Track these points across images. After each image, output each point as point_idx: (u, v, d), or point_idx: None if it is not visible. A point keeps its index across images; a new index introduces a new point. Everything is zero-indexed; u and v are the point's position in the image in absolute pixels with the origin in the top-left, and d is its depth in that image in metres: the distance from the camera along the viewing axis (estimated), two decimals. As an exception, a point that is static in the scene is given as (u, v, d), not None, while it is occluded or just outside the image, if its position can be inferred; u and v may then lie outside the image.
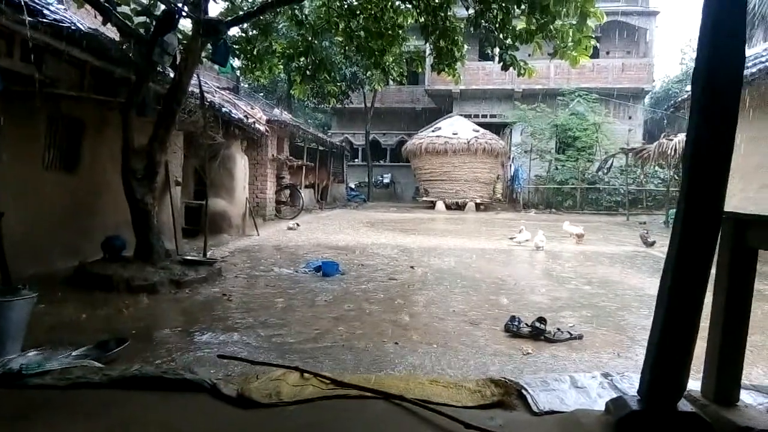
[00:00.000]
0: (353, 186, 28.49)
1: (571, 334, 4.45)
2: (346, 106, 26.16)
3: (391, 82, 14.24)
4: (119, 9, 6.34)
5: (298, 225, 13.52)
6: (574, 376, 2.90)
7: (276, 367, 2.99)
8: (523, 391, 2.68)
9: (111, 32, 6.92)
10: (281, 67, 10.58)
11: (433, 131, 22.40)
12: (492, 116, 25.65)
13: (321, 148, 21.87)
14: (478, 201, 21.52)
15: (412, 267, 7.87)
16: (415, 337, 4.41)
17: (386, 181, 29.83)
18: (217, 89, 13.19)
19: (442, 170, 21.48)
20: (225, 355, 3.32)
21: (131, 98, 6.07)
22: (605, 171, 22.85)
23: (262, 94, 25.46)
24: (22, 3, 4.91)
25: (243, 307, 5.28)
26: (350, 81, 22.17)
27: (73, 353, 3.52)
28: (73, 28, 5.54)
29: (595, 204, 22.31)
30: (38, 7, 5.40)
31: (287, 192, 17.72)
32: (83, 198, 6.90)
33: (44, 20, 5.26)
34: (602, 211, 21.49)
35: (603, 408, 2.36)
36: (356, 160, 30.68)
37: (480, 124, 23.09)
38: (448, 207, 21.51)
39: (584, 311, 5.47)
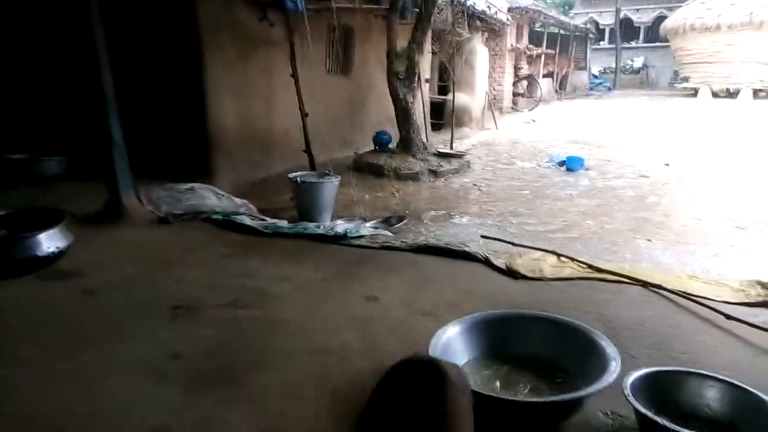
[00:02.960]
0: (597, 73, 26.09)
1: None
2: (594, -20, 23.36)
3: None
4: None
5: (534, 120, 13.31)
6: None
7: (534, 249, 3.43)
8: (797, 295, 2.64)
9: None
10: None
11: (703, 2, 18.78)
12: (791, -25, 20.10)
13: (562, 32, 20.34)
14: (757, 87, 17.86)
15: (666, 164, 7.36)
16: (669, 236, 4.38)
17: (637, 65, 26.52)
18: (459, -20, 13.16)
19: (712, 50, 18.13)
20: (487, 236, 3.87)
21: (394, 4, 6.67)
22: None
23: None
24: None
25: (492, 196, 5.81)
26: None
27: (367, 224, 4.50)
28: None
29: None
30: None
31: (524, 83, 17.30)
32: (354, 97, 8.05)
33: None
34: None
35: None
36: (602, 42, 27.67)
37: (772, -12, 18.44)
38: (715, 94, 18.38)
39: None
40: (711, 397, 1.74)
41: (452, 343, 1.94)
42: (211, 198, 4.85)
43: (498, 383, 1.88)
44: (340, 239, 3.58)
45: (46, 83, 6.00)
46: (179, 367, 2.06)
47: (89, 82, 3.89)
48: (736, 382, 1.69)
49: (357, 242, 3.54)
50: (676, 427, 1.49)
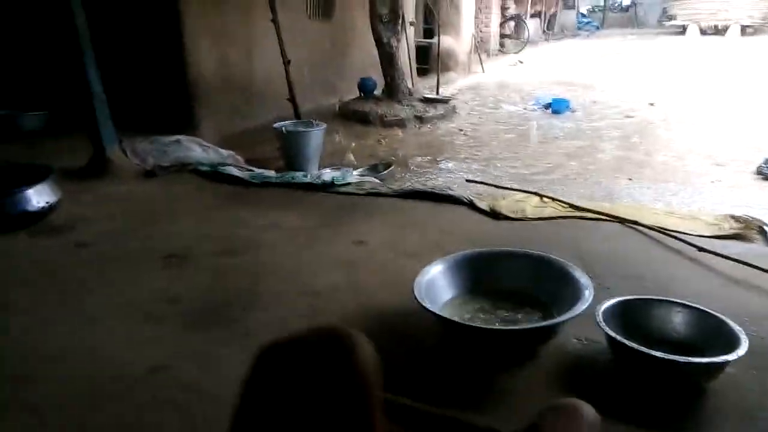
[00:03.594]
0: (585, 12, 25.53)
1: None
2: None
3: None
4: None
5: (521, 62, 13.11)
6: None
7: (518, 191, 3.51)
8: (766, 227, 2.75)
9: None
10: None
11: (695, -66, 18.23)
12: None
13: (551, -32, 19.73)
14: (745, 23, 17.61)
15: (651, 104, 7.37)
16: (650, 174, 4.46)
17: (625, 3, 25.96)
18: None
19: (701, -15, 17.79)
20: (472, 180, 3.94)
21: (375, -58, 6.44)
22: None
23: None
24: None
25: (478, 141, 5.82)
26: None
27: (354, 172, 4.53)
28: None
29: None
30: None
31: (511, 24, 16.92)
32: (338, 43, 7.88)
33: None
34: None
35: None
36: (591, -21, 26.94)
37: None
38: (703, 32, 18.14)
39: None
40: (677, 321, 1.86)
41: (436, 281, 2.04)
42: (197, 150, 4.83)
43: (480, 316, 1.99)
44: (328, 187, 3.62)
45: (24, 37, 5.81)
46: (174, 311, 2.15)
47: (65, 34, 3.79)
48: (699, 307, 1.80)
49: (344, 189, 3.59)
50: (643, 349, 1.61)
